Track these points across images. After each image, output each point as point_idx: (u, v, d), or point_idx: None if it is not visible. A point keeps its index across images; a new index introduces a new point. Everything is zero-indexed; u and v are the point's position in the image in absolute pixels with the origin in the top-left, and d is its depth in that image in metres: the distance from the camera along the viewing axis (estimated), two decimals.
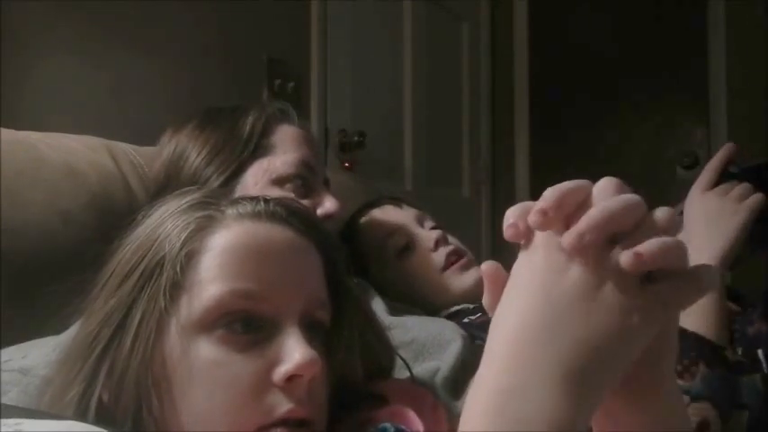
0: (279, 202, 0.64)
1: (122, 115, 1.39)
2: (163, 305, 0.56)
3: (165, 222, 0.60)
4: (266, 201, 0.63)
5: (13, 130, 0.98)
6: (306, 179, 1.04)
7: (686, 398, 0.88)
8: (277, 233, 0.60)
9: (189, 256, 0.57)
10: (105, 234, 0.64)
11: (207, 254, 0.58)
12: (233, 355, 0.55)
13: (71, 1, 1.31)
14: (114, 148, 1.10)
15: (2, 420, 0.46)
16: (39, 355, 0.67)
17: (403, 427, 0.59)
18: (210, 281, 0.56)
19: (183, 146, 1.02)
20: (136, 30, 1.44)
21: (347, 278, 0.67)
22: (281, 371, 0.54)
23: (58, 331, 0.63)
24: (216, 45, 1.64)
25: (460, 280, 1.21)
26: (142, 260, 0.58)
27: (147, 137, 1.14)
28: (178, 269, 0.57)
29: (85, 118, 1.31)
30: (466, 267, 1.22)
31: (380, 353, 0.69)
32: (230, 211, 0.61)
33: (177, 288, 0.57)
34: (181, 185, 0.79)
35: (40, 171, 0.94)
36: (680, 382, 0.89)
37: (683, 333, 0.92)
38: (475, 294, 1.20)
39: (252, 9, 1.74)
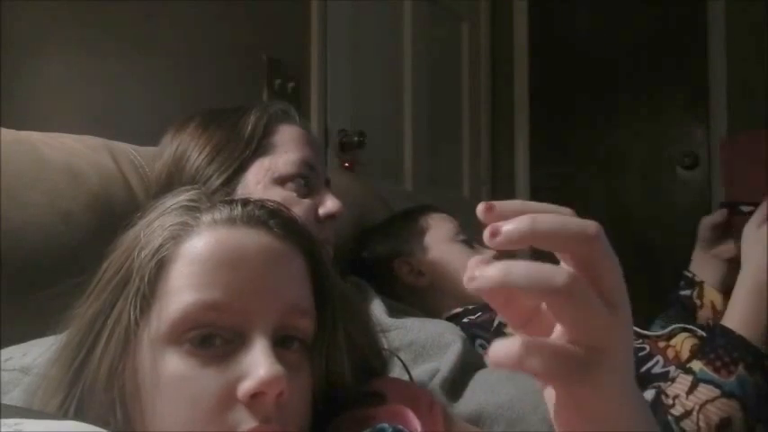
0: (260, 204, 0.62)
1: (122, 115, 1.39)
2: (132, 316, 0.55)
3: (150, 226, 0.59)
4: (245, 204, 0.61)
5: (14, 130, 0.98)
6: (307, 179, 1.04)
7: (717, 392, 0.93)
8: (252, 239, 0.58)
9: (160, 266, 0.56)
10: (106, 235, 0.64)
11: (177, 263, 0.56)
12: (199, 369, 0.53)
13: (71, 1, 1.31)
14: (115, 148, 1.09)
15: (2, 420, 0.46)
16: (39, 354, 0.67)
17: (401, 427, 0.58)
18: (178, 291, 0.55)
19: (184, 145, 1.02)
20: (136, 30, 1.44)
21: (336, 280, 0.65)
22: (244, 387, 0.52)
23: (58, 332, 0.63)
24: (216, 45, 1.64)
25: None
26: (122, 266, 0.58)
27: (147, 137, 1.14)
28: (146, 280, 0.55)
29: (85, 118, 1.31)
30: None
31: (372, 356, 0.68)
32: (205, 217, 0.59)
33: (146, 299, 0.55)
34: (182, 185, 0.79)
35: (40, 171, 0.94)
36: (716, 376, 0.94)
37: (730, 333, 0.97)
38: None
39: (252, 9, 1.74)
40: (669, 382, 0.99)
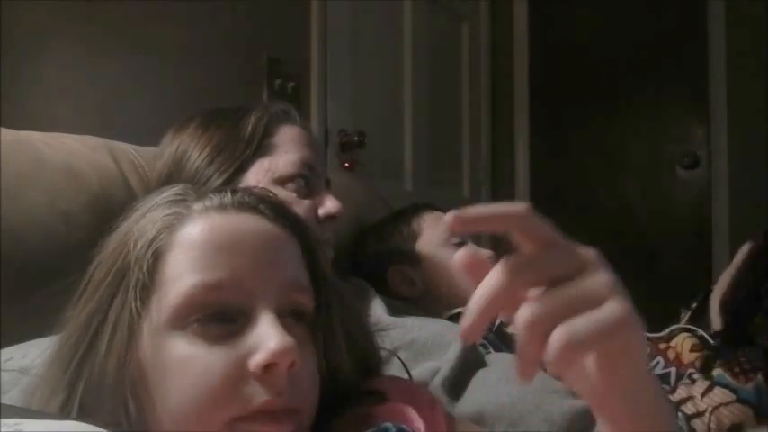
0: (248, 191, 0.63)
1: (122, 115, 1.39)
2: (134, 308, 0.55)
3: (139, 223, 0.59)
4: (234, 191, 0.62)
5: (14, 130, 0.98)
6: (307, 179, 1.04)
7: (733, 396, 0.94)
8: (246, 222, 0.59)
9: (156, 256, 0.56)
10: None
11: (174, 251, 0.57)
12: (208, 349, 0.54)
13: (71, 1, 1.31)
14: (115, 148, 1.09)
15: (2, 420, 0.46)
16: (39, 355, 0.67)
17: (404, 426, 0.58)
18: (179, 277, 0.55)
19: (185, 145, 1.02)
20: (136, 30, 1.44)
21: (327, 268, 0.66)
22: (256, 360, 0.53)
23: (55, 333, 0.63)
24: (216, 45, 1.64)
25: None
26: (115, 263, 0.58)
27: (147, 137, 1.14)
28: (144, 270, 0.56)
29: (85, 118, 1.31)
30: None
31: (365, 345, 0.68)
32: (196, 205, 0.59)
33: (146, 289, 0.56)
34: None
35: (40, 171, 0.94)
36: (733, 381, 0.95)
37: (756, 344, 0.98)
38: None
39: (252, 9, 1.74)
40: (682, 385, 0.99)
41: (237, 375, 0.53)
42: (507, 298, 0.42)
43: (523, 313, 0.41)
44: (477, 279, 0.44)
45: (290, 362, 0.53)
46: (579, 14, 3.06)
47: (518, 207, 0.43)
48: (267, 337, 0.53)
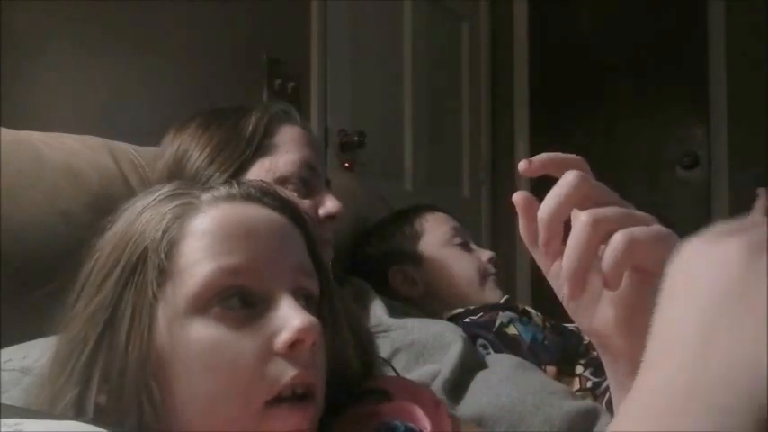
0: (251, 184, 0.64)
1: (122, 115, 1.39)
2: (151, 294, 0.56)
3: (141, 218, 0.60)
4: (239, 183, 0.64)
5: (14, 130, 0.98)
6: (307, 180, 1.04)
7: None
8: (255, 212, 0.61)
9: (171, 245, 0.57)
10: None
11: (188, 239, 0.58)
12: (232, 332, 0.55)
13: (71, 1, 1.31)
14: (115, 148, 1.09)
15: (2, 420, 0.46)
16: (40, 355, 0.67)
17: (412, 425, 0.58)
18: (196, 263, 0.56)
19: (185, 145, 1.02)
20: (136, 30, 1.44)
21: (324, 258, 0.68)
22: (283, 338, 0.54)
23: (58, 331, 0.63)
24: (216, 45, 1.64)
25: (494, 293, 1.35)
26: (121, 257, 0.58)
27: (147, 137, 1.14)
28: (163, 256, 0.57)
29: (85, 118, 1.31)
30: (498, 285, 1.38)
31: (367, 342, 0.70)
32: (205, 196, 0.61)
33: (164, 275, 0.56)
34: None
35: (40, 171, 0.94)
36: None
37: None
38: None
39: (252, 9, 1.74)
40: None
41: (264, 356, 0.54)
42: (573, 203, 0.48)
43: (588, 214, 0.47)
44: (528, 215, 0.51)
45: (314, 339, 0.55)
46: (579, 14, 3.06)
47: (573, 156, 0.54)
48: (291, 317, 0.55)
